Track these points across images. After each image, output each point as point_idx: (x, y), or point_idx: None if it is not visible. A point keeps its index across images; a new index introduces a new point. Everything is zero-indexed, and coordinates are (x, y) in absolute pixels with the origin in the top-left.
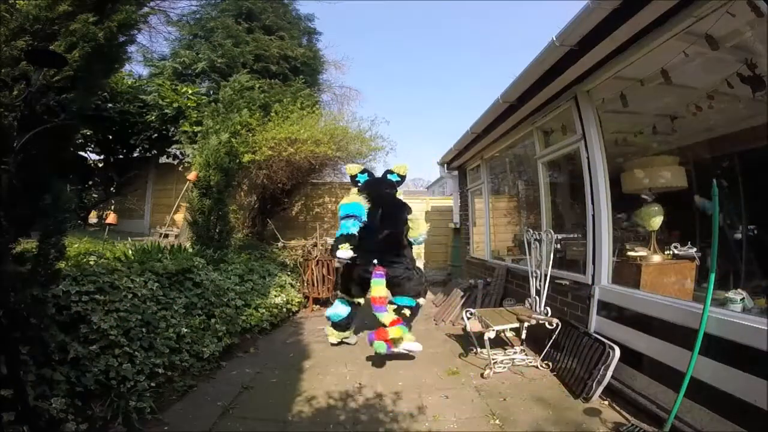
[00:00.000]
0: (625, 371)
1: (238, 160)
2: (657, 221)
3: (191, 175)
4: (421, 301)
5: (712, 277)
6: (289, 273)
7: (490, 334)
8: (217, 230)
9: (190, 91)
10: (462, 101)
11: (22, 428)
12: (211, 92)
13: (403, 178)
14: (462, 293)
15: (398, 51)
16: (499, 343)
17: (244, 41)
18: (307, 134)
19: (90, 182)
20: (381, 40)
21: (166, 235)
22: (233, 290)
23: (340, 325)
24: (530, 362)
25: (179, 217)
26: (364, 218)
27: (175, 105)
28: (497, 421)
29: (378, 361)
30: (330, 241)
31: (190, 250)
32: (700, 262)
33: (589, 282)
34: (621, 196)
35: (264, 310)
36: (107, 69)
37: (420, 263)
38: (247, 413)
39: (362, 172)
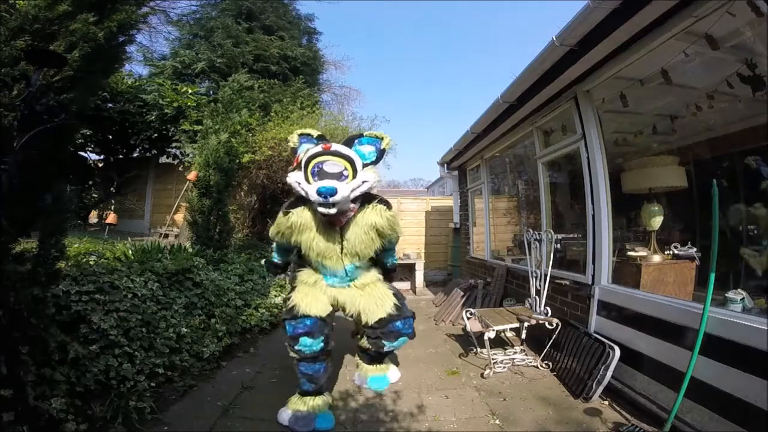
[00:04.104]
0: (625, 371)
1: (237, 160)
2: (657, 221)
3: (191, 175)
4: None
5: (712, 277)
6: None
7: (490, 334)
8: (217, 230)
9: (190, 91)
10: (463, 100)
11: (22, 428)
12: (211, 92)
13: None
14: (462, 293)
15: (399, 51)
16: (499, 343)
17: (244, 41)
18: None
19: (90, 182)
20: (382, 40)
21: (166, 235)
22: (233, 290)
23: None
24: (530, 362)
25: (179, 217)
26: None
27: (175, 105)
28: (497, 421)
29: None
30: None
31: (190, 250)
32: (700, 262)
33: (589, 282)
34: (621, 195)
35: (264, 310)
36: (107, 69)
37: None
38: (248, 413)
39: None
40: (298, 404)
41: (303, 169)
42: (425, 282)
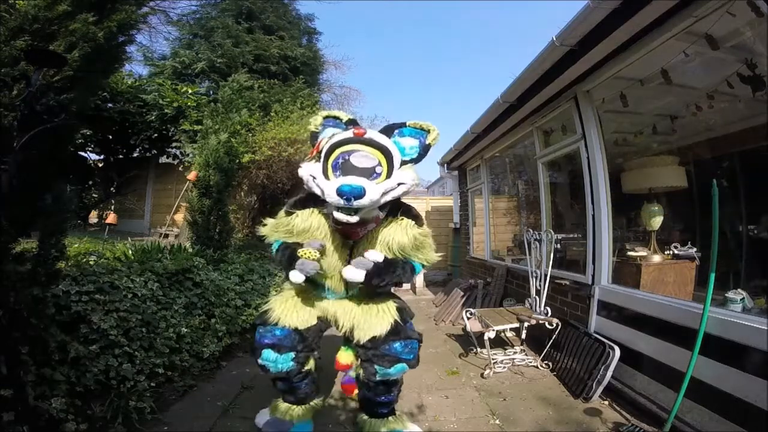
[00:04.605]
0: (625, 371)
1: (237, 160)
2: (657, 221)
3: (191, 175)
4: None
5: (712, 277)
6: None
7: (490, 334)
8: (217, 230)
9: (190, 91)
10: (463, 100)
11: (22, 428)
12: (211, 92)
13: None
14: (462, 293)
15: (399, 51)
16: (499, 343)
17: (244, 41)
18: (307, 134)
19: (90, 182)
20: (382, 40)
21: (166, 235)
22: (233, 290)
23: None
24: (530, 362)
25: (179, 217)
26: None
27: (175, 105)
28: (497, 421)
29: None
30: None
31: (190, 250)
32: (700, 262)
33: (589, 282)
34: (621, 195)
35: None
36: (107, 69)
37: None
38: (248, 413)
39: None
40: (277, 411)
41: (323, 159)
42: (425, 282)
